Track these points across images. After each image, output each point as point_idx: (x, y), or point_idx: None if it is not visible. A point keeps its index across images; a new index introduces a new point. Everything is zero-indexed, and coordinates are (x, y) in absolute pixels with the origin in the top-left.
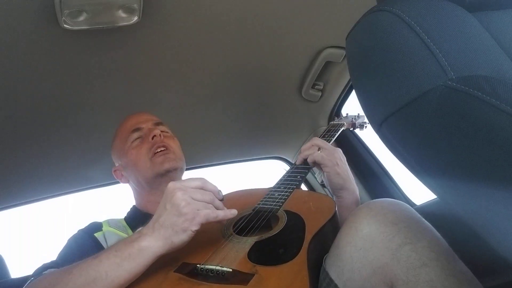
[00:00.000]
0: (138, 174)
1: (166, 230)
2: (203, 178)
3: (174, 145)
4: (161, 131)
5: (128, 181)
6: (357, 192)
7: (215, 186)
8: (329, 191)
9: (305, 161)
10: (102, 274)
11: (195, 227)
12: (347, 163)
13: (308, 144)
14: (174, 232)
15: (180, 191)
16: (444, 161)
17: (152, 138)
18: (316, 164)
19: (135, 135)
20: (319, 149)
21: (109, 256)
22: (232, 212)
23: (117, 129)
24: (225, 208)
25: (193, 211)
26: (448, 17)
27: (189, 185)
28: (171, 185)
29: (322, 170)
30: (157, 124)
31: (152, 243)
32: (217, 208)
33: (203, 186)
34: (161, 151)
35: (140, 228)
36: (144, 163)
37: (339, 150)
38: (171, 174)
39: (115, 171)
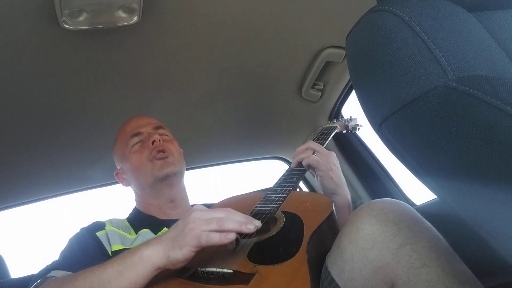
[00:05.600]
0: (139, 178)
1: (168, 243)
2: (228, 210)
3: (173, 148)
4: (161, 135)
5: (129, 184)
6: (349, 197)
7: (242, 216)
8: None
9: (299, 164)
10: (105, 282)
11: (188, 249)
12: (340, 168)
13: (303, 147)
14: (173, 246)
15: (197, 213)
16: (444, 161)
17: (152, 143)
18: (311, 167)
19: (135, 139)
20: (314, 152)
21: (113, 264)
22: (229, 237)
23: (117, 131)
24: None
25: (194, 231)
26: (448, 17)
27: (208, 212)
28: (194, 213)
29: (315, 173)
30: (157, 128)
31: (153, 253)
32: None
33: (226, 216)
34: (160, 156)
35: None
36: (145, 168)
37: (333, 154)
38: (171, 178)
39: (117, 174)
